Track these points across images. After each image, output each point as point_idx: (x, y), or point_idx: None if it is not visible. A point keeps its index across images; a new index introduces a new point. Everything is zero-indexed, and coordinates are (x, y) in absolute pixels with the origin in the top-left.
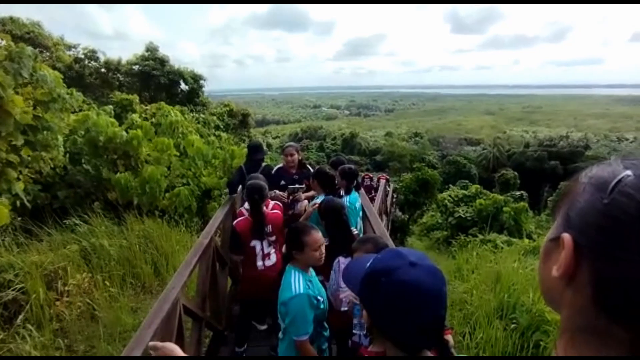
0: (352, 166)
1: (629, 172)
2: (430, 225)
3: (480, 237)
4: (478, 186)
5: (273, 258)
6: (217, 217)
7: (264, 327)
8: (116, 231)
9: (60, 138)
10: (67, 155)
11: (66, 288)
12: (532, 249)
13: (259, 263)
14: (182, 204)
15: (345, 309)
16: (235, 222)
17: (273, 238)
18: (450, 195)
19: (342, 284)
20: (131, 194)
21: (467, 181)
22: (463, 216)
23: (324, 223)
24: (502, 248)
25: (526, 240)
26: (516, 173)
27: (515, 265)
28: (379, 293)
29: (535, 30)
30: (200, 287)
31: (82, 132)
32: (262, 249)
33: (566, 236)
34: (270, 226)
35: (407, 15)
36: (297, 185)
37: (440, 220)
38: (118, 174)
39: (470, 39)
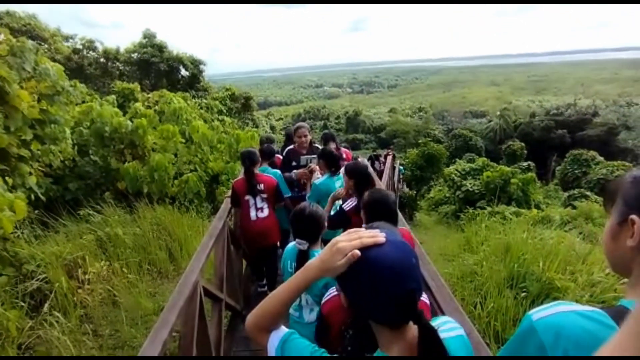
0: (332, 150)
1: None
2: (438, 200)
3: (489, 209)
4: (485, 159)
5: (265, 212)
6: (228, 201)
7: (264, 289)
8: (129, 220)
9: (67, 130)
10: (75, 147)
11: (86, 276)
12: (540, 219)
13: (252, 214)
14: (191, 190)
15: None
16: (234, 181)
17: (265, 195)
18: (457, 169)
19: None
20: (140, 182)
21: (473, 154)
22: (470, 189)
23: (353, 182)
24: (510, 219)
25: (535, 211)
26: (523, 144)
27: (525, 235)
28: (351, 271)
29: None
30: (217, 269)
31: (87, 124)
32: (255, 203)
33: (635, 217)
34: (262, 185)
35: None
36: (311, 156)
37: (447, 195)
38: (126, 164)
39: (471, 8)
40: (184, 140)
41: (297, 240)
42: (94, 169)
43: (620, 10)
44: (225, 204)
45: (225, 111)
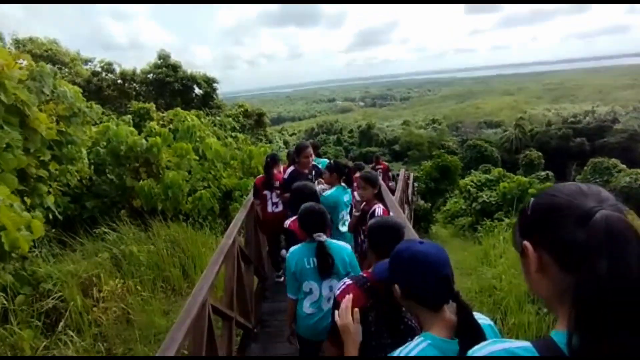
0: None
1: (533, 199)
2: (454, 212)
3: (507, 221)
4: (501, 169)
5: (280, 207)
6: (239, 218)
7: (281, 279)
8: (143, 237)
9: (84, 150)
10: (92, 166)
11: (101, 294)
12: None
13: (269, 208)
14: (204, 206)
15: None
16: (256, 178)
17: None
18: (472, 181)
19: None
20: (155, 200)
21: (489, 165)
22: (487, 201)
23: (375, 190)
24: None
25: None
26: (540, 153)
27: None
28: (401, 264)
29: (553, 4)
30: (228, 286)
31: (104, 143)
32: (271, 198)
33: (525, 243)
34: (278, 182)
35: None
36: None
37: (463, 207)
38: (141, 182)
39: (485, 18)
40: (197, 158)
41: (315, 234)
42: (110, 187)
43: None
44: (235, 221)
45: (238, 128)
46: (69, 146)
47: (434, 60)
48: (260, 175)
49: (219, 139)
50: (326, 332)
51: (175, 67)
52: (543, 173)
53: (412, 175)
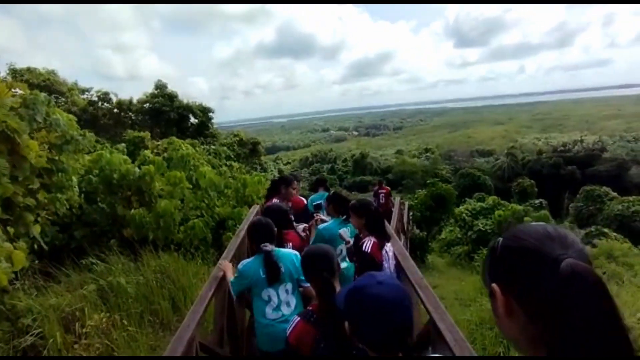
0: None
1: (499, 239)
2: (450, 241)
3: None
4: (495, 197)
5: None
6: (231, 247)
7: None
8: (133, 268)
9: (75, 179)
10: (83, 194)
11: (84, 330)
12: None
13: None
14: (197, 236)
15: None
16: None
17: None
18: (467, 209)
19: (392, 268)
20: (146, 229)
21: (483, 193)
22: (483, 229)
23: (365, 220)
24: None
25: None
26: (533, 181)
27: None
28: (353, 305)
29: (539, 37)
30: (217, 322)
31: (97, 171)
32: None
33: (493, 285)
34: (290, 203)
35: (410, 34)
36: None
37: (459, 235)
38: (132, 210)
39: (474, 51)
40: (191, 186)
41: (262, 245)
42: (101, 216)
43: (620, 49)
44: (227, 251)
45: (233, 156)
46: (60, 174)
47: (425, 91)
48: (272, 203)
49: (213, 167)
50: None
51: (171, 97)
52: (537, 201)
53: (407, 204)
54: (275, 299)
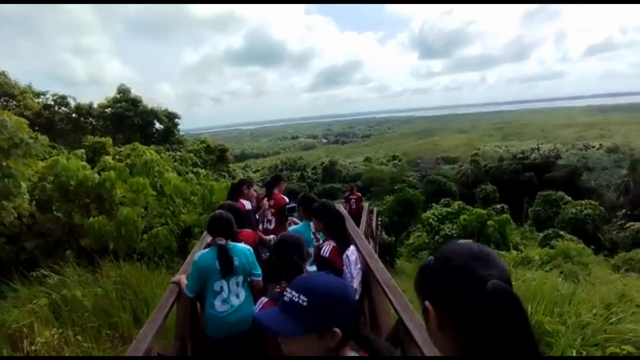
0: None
1: (431, 257)
2: (418, 246)
3: None
4: (460, 202)
5: (273, 224)
6: (195, 252)
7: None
8: (90, 280)
9: (24, 185)
10: (35, 203)
11: (33, 347)
12: (521, 260)
13: (262, 226)
14: (161, 244)
15: (357, 297)
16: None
17: (273, 210)
18: (434, 214)
19: (354, 274)
20: (106, 238)
21: (449, 199)
22: (449, 233)
23: (324, 224)
24: None
25: (514, 252)
26: (495, 187)
27: None
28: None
29: (498, 50)
30: (179, 331)
31: (52, 178)
32: (266, 216)
33: (427, 303)
34: (272, 201)
35: (377, 45)
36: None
37: (427, 240)
38: (91, 219)
39: (438, 62)
40: (155, 193)
41: (217, 238)
42: (56, 225)
43: (572, 63)
44: (190, 257)
45: (200, 163)
46: (6, 180)
47: (392, 99)
48: (261, 195)
49: (179, 174)
50: (238, 326)
51: (135, 102)
52: (499, 206)
53: (375, 209)
54: (226, 290)
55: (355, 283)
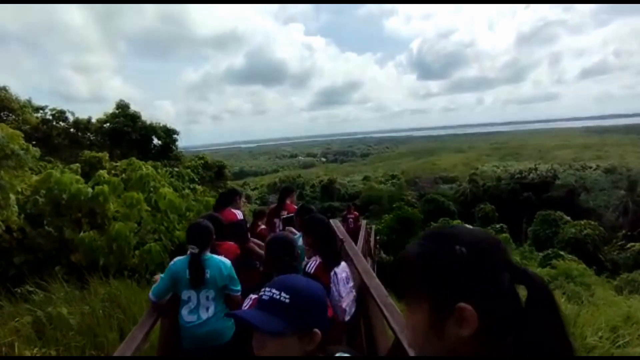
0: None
1: (458, 247)
2: None
3: None
4: (460, 222)
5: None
6: None
7: None
8: (77, 297)
9: (13, 197)
10: (27, 217)
11: None
12: None
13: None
14: (153, 261)
15: (348, 318)
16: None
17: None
18: None
19: (343, 293)
20: (97, 253)
21: (448, 218)
22: None
23: (311, 239)
24: None
25: None
26: (493, 206)
27: None
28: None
29: (495, 72)
30: (163, 347)
31: (44, 192)
32: (279, 227)
33: (463, 305)
34: (286, 213)
35: (376, 66)
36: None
37: None
38: (82, 234)
39: (436, 83)
40: (149, 208)
41: (190, 246)
42: (46, 240)
43: (567, 85)
44: None
45: (197, 180)
46: None
47: (391, 119)
48: (273, 205)
49: (176, 190)
50: (207, 340)
51: (134, 117)
52: (498, 225)
53: (373, 227)
54: (194, 301)
55: (344, 303)
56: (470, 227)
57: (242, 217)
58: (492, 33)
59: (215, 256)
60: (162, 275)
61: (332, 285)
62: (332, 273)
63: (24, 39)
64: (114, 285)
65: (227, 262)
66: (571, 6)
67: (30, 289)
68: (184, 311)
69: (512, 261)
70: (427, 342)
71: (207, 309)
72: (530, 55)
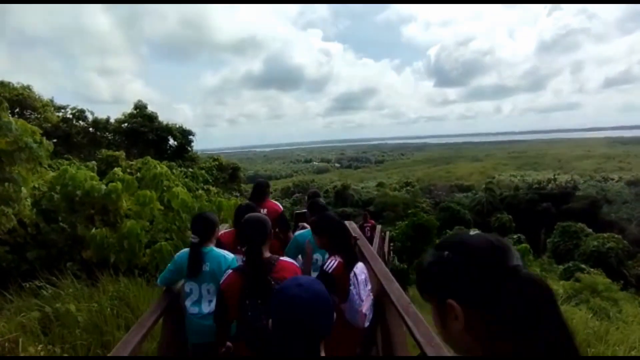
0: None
1: (447, 252)
2: None
3: None
4: (476, 230)
5: None
6: None
7: None
8: (86, 293)
9: (25, 190)
10: (42, 213)
11: None
12: None
13: None
14: (164, 260)
15: (367, 324)
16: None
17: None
18: None
19: (363, 296)
20: (107, 251)
21: (463, 227)
22: None
23: (326, 238)
24: None
25: None
26: (510, 216)
27: None
28: (273, 305)
29: (514, 80)
30: (164, 347)
31: (59, 188)
32: None
33: (451, 302)
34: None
35: (393, 72)
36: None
37: None
38: (93, 230)
39: (454, 91)
40: (162, 207)
41: (192, 236)
42: (60, 236)
43: (588, 94)
44: None
45: (211, 181)
46: (6, 184)
47: (407, 126)
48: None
49: (189, 190)
50: (212, 334)
51: (151, 118)
52: (515, 236)
53: (387, 233)
54: (196, 293)
55: (365, 307)
56: (477, 233)
57: (282, 209)
58: (512, 41)
59: (217, 250)
60: (169, 265)
61: (351, 287)
62: (351, 274)
63: (52, 41)
64: (123, 283)
65: (229, 256)
66: (595, 14)
67: (40, 284)
68: (188, 303)
69: (513, 263)
70: (441, 332)
71: (210, 302)
72: (552, 63)
